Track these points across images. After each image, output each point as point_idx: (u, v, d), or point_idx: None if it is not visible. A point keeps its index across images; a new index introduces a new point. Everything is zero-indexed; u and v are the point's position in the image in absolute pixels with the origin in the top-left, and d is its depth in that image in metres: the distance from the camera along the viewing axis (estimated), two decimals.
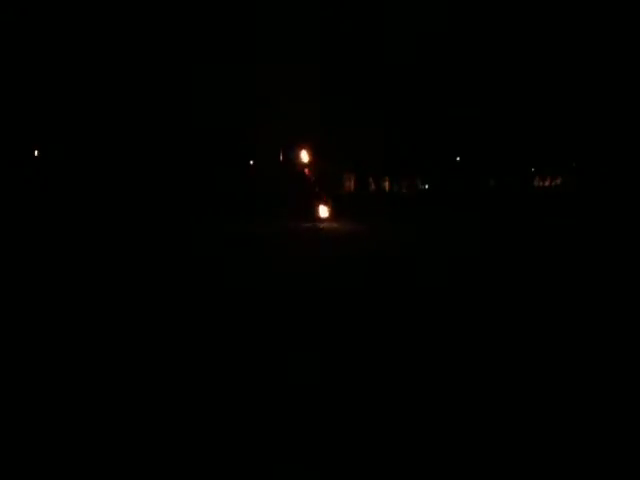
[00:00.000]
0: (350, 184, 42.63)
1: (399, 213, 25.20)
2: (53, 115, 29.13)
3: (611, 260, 9.79)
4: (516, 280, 8.12)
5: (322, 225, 17.97)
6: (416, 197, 42.57)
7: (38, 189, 27.02)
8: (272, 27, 30.77)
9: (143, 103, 29.84)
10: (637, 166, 34.51)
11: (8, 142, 28.41)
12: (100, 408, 3.73)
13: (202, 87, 30.46)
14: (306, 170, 18.82)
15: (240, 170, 32.88)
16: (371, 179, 44.56)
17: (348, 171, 41.18)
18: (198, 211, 24.58)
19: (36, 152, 30.41)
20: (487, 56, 35.73)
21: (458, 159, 43.30)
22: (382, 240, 14.65)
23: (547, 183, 50.11)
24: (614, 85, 34.19)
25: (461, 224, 18.60)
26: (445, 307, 6.47)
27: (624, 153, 36.01)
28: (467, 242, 13.37)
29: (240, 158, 33.44)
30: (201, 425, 3.56)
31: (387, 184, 48.32)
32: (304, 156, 21.42)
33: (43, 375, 4.34)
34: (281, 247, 13.20)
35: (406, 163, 41.08)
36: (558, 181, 48.41)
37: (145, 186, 29.13)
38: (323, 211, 18.84)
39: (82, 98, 29.26)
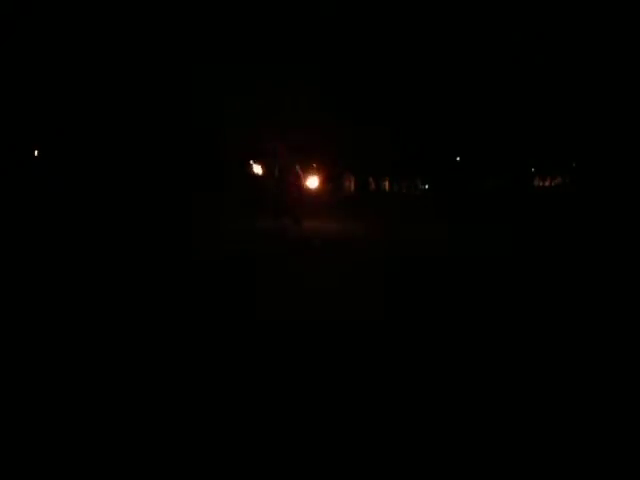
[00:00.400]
0: (350, 184, 42.74)
1: (398, 213, 25.19)
2: (53, 115, 29.17)
3: (611, 260, 9.78)
4: (514, 280, 8.11)
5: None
6: (416, 197, 42.57)
7: (38, 189, 27.03)
8: (272, 26, 30.81)
9: (143, 103, 29.89)
10: (637, 166, 34.53)
11: (8, 142, 28.46)
12: (100, 406, 3.73)
13: (202, 87, 30.50)
14: (295, 168, 18.63)
15: (241, 168, 32.96)
16: (371, 179, 44.68)
17: (348, 172, 41.26)
18: (196, 208, 24.51)
19: (36, 152, 30.48)
20: (487, 56, 35.77)
21: (458, 159, 43.40)
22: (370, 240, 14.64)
23: (547, 183, 50.18)
24: (614, 85, 34.20)
25: (461, 224, 18.61)
26: (442, 307, 6.48)
27: (624, 153, 36.03)
28: (467, 242, 13.36)
29: (240, 157, 33.52)
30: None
31: (387, 184, 48.44)
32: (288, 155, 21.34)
33: (43, 375, 4.34)
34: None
35: (406, 163, 41.16)
36: (558, 181, 48.48)
37: (144, 185, 29.16)
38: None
39: (82, 98, 29.30)
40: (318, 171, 23.70)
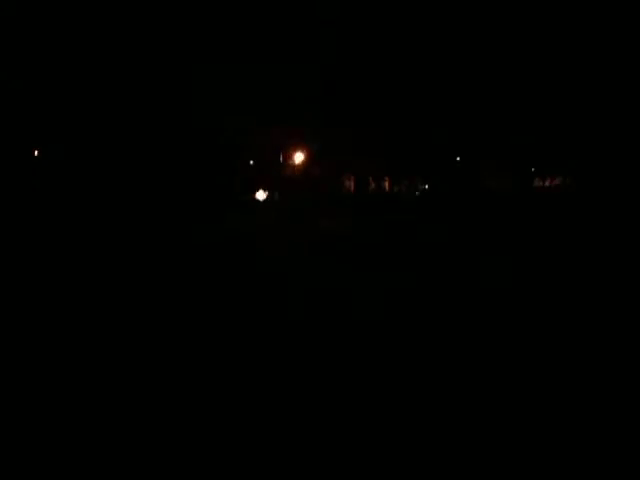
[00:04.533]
0: (350, 184, 42.68)
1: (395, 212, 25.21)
2: (53, 115, 29.09)
3: (611, 260, 9.78)
4: (514, 280, 8.11)
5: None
6: (415, 197, 42.61)
7: (38, 189, 27.00)
8: (272, 29, 30.74)
9: (143, 103, 29.81)
10: (637, 166, 34.51)
11: (8, 142, 28.39)
12: (100, 406, 3.73)
13: (201, 88, 30.42)
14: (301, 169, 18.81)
15: (240, 169, 32.89)
16: (371, 179, 44.57)
17: (348, 172, 41.21)
18: (196, 209, 24.59)
19: (36, 152, 30.39)
20: (488, 56, 35.73)
21: (458, 159, 43.31)
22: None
23: (547, 183, 50.14)
24: (614, 85, 34.18)
25: (461, 224, 18.61)
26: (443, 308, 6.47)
27: (624, 153, 36.01)
28: (467, 242, 13.36)
29: (240, 158, 33.43)
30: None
31: (387, 184, 48.34)
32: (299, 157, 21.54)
33: (43, 375, 4.34)
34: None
35: (406, 163, 41.09)
36: (558, 181, 48.42)
37: (145, 185, 29.12)
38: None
39: (82, 98, 29.23)
40: None
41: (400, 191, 47.41)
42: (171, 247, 12.77)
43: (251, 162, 34.51)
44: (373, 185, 45.18)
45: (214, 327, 5.69)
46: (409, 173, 45.72)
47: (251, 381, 4.19)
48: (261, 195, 19.29)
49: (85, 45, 28.81)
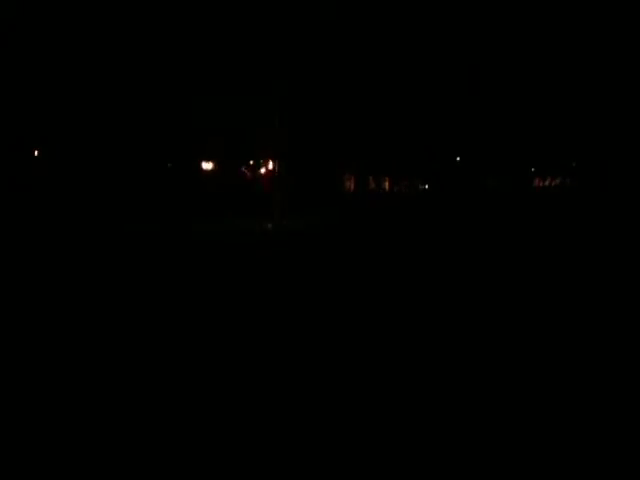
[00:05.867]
0: (350, 184, 42.72)
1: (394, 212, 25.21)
2: (53, 115, 29.13)
3: (611, 260, 9.79)
4: (511, 280, 8.11)
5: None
6: (415, 196, 42.66)
7: (38, 189, 27.03)
8: (273, 26, 30.74)
9: (141, 104, 29.83)
10: (637, 166, 34.54)
11: (8, 142, 28.42)
12: (101, 404, 3.74)
13: (199, 90, 30.45)
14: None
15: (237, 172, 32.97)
16: (371, 179, 44.62)
17: (348, 171, 41.26)
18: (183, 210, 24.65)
19: (36, 152, 30.40)
20: (488, 56, 35.76)
21: (458, 159, 43.35)
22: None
23: (547, 183, 50.18)
24: (614, 85, 34.21)
25: (459, 223, 18.61)
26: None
27: (624, 153, 36.05)
28: (465, 241, 13.37)
29: (241, 159, 33.49)
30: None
31: (387, 184, 48.39)
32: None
33: (43, 375, 4.35)
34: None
35: (406, 163, 41.13)
36: (558, 181, 48.47)
37: (142, 185, 29.20)
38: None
39: (81, 99, 29.27)
40: None
41: (400, 191, 47.46)
42: (180, 245, 12.80)
43: (251, 162, 34.52)
44: (373, 185, 45.23)
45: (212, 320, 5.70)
46: (409, 173, 45.76)
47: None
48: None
49: (85, 45, 28.87)
